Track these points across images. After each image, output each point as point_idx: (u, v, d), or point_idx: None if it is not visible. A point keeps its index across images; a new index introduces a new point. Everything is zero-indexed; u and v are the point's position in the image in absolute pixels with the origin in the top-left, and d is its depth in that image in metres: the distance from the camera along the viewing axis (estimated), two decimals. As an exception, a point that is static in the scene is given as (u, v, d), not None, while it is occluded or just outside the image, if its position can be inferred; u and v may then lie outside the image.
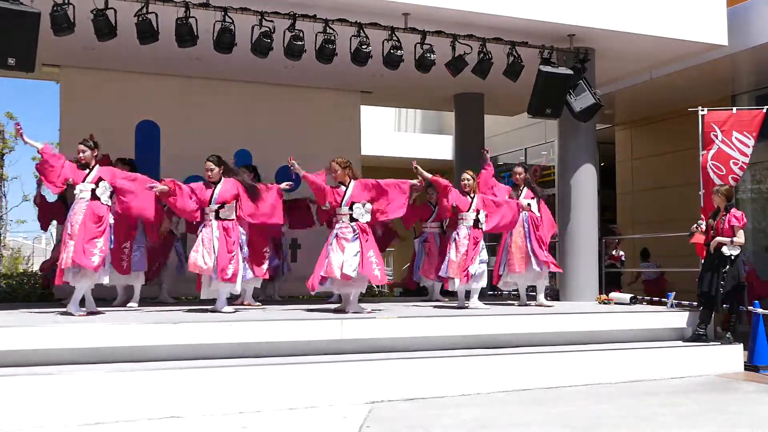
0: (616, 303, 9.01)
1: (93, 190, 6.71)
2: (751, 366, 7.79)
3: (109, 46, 8.06)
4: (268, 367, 5.95)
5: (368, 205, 7.34)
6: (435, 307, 8.34)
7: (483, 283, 8.01)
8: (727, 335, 7.84)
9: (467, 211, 7.94)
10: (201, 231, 7.14)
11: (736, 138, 8.78)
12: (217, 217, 7.13)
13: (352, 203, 7.25)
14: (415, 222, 9.36)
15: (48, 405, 5.21)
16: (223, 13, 7.65)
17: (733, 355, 7.75)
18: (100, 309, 6.93)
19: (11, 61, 6.85)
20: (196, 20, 7.60)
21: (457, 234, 7.92)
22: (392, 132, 18.18)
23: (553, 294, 9.70)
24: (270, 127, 10.86)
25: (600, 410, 5.94)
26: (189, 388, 5.60)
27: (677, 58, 9.95)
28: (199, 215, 7.21)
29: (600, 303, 9.13)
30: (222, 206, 7.15)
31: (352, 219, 7.20)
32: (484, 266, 7.95)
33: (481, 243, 7.96)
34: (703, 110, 8.99)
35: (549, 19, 8.47)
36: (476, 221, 7.94)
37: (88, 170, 6.79)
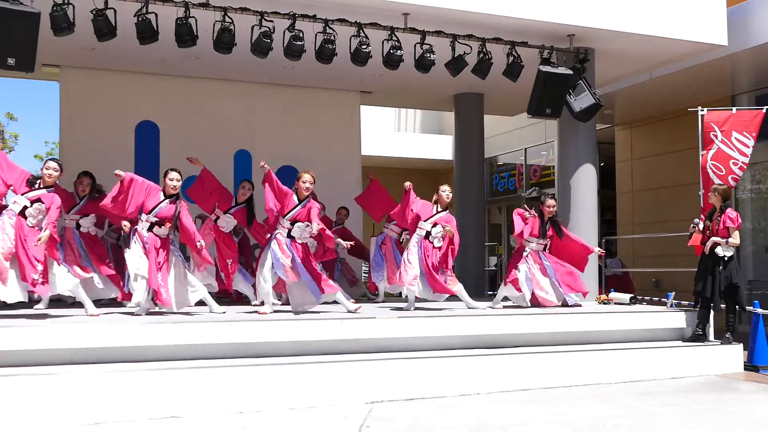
0: (616, 303, 9.01)
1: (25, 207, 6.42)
2: (751, 366, 7.79)
3: (109, 46, 8.07)
4: (268, 367, 5.95)
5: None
6: (434, 308, 8.32)
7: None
8: (727, 335, 7.84)
9: (425, 220, 7.78)
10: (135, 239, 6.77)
11: (735, 138, 8.78)
12: (150, 230, 6.77)
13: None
14: (383, 215, 9.26)
15: (48, 405, 5.22)
16: (222, 13, 7.65)
17: (733, 355, 7.75)
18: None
19: (11, 61, 6.85)
20: (196, 20, 7.60)
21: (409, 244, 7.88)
22: (392, 132, 18.18)
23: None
24: (270, 127, 10.87)
25: (600, 410, 5.94)
26: (189, 388, 5.61)
27: (677, 58, 9.95)
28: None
29: (600, 303, 9.13)
30: (160, 223, 6.78)
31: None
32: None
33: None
34: (702, 110, 8.99)
35: (549, 19, 8.47)
36: (428, 233, 7.74)
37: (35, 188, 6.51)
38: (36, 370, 5.44)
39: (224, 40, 7.74)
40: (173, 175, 6.94)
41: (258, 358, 6.19)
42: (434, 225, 7.77)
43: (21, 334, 5.65)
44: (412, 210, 7.89)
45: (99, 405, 5.33)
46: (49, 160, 6.75)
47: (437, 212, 7.86)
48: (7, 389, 5.15)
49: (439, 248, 7.77)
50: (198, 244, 6.94)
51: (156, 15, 7.50)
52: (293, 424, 5.42)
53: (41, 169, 6.65)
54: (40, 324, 5.93)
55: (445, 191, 7.94)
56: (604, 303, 9.10)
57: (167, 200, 6.86)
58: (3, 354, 5.50)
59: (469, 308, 7.92)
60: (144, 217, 6.78)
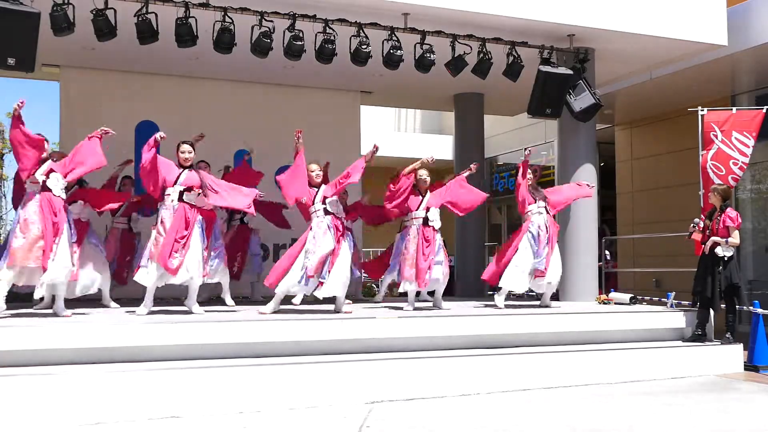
0: (616, 303, 9.01)
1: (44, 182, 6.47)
2: (751, 366, 7.79)
3: (109, 46, 8.07)
4: (268, 367, 5.95)
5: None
6: (431, 307, 8.31)
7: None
8: (727, 335, 7.84)
9: (416, 209, 7.82)
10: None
11: (735, 138, 8.77)
12: (180, 199, 7.00)
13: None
14: (381, 222, 9.10)
15: (48, 405, 5.22)
16: (222, 13, 7.65)
17: (733, 355, 7.75)
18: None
19: (11, 61, 6.85)
20: (196, 20, 7.60)
21: (407, 234, 7.83)
22: (392, 132, 18.18)
23: (553, 294, 9.69)
24: (270, 127, 10.85)
25: (600, 410, 5.94)
26: (189, 388, 5.61)
27: (677, 58, 9.95)
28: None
29: (600, 303, 9.13)
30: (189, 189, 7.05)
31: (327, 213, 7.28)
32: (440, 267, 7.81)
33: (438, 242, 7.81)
34: (703, 110, 8.99)
35: (549, 19, 8.47)
36: (426, 219, 7.78)
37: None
38: (36, 370, 5.43)
39: (224, 40, 7.74)
40: (185, 147, 7.16)
41: (258, 358, 6.19)
42: (427, 209, 7.79)
43: (21, 334, 5.65)
44: (406, 195, 7.82)
45: (99, 405, 5.33)
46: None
47: (422, 197, 7.86)
48: (7, 389, 5.15)
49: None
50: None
51: (156, 15, 7.50)
52: (293, 424, 5.42)
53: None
54: (40, 324, 5.94)
55: (423, 175, 7.89)
56: (604, 303, 9.10)
57: (185, 170, 7.08)
58: (3, 354, 5.50)
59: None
60: (170, 190, 6.95)
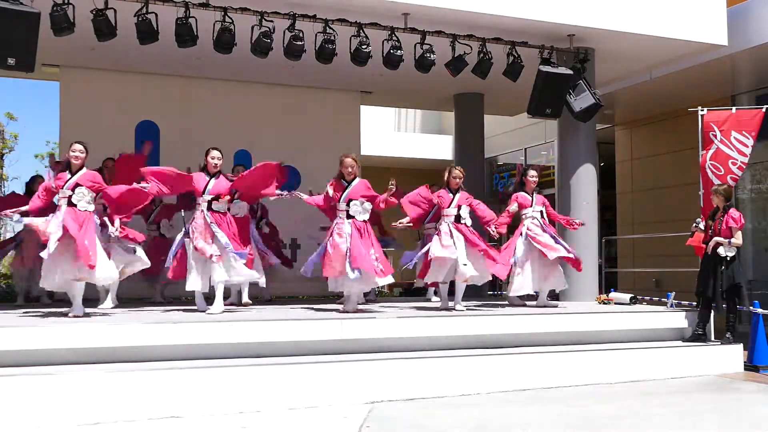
0: (616, 303, 9.01)
1: (69, 197, 6.51)
2: (751, 366, 7.79)
3: (109, 46, 8.07)
4: (268, 367, 5.95)
5: (367, 204, 7.36)
6: (434, 307, 8.32)
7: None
8: (727, 335, 7.84)
9: (448, 207, 7.79)
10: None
11: (734, 138, 8.76)
12: (210, 209, 7.13)
13: (350, 200, 7.30)
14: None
15: (48, 405, 5.21)
16: (223, 13, 7.66)
17: (733, 355, 7.75)
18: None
19: (11, 61, 6.86)
20: (196, 20, 7.60)
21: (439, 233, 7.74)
22: (392, 132, 18.18)
23: (553, 294, 9.69)
24: (270, 127, 10.87)
25: (600, 410, 5.94)
26: (189, 388, 5.61)
27: (677, 58, 9.95)
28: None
29: (600, 303, 9.13)
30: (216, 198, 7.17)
31: (348, 216, 7.28)
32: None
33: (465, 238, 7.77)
34: (702, 110, 8.98)
35: (549, 19, 8.47)
36: (458, 217, 7.75)
37: (70, 175, 6.59)
38: (36, 370, 5.44)
39: (224, 40, 7.74)
40: (214, 153, 7.25)
41: (258, 358, 6.19)
42: (459, 207, 7.78)
43: (21, 334, 5.66)
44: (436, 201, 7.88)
45: (98, 405, 5.33)
46: (75, 143, 6.72)
47: (454, 195, 7.85)
48: (7, 389, 5.15)
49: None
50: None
51: (156, 15, 7.50)
52: (293, 424, 5.42)
53: (69, 154, 6.65)
54: (40, 324, 5.94)
55: (455, 175, 7.92)
56: (604, 303, 9.10)
57: (213, 178, 7.21)
58: (3, 354, 5.50)
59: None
60: (200, 199, 7.10)
